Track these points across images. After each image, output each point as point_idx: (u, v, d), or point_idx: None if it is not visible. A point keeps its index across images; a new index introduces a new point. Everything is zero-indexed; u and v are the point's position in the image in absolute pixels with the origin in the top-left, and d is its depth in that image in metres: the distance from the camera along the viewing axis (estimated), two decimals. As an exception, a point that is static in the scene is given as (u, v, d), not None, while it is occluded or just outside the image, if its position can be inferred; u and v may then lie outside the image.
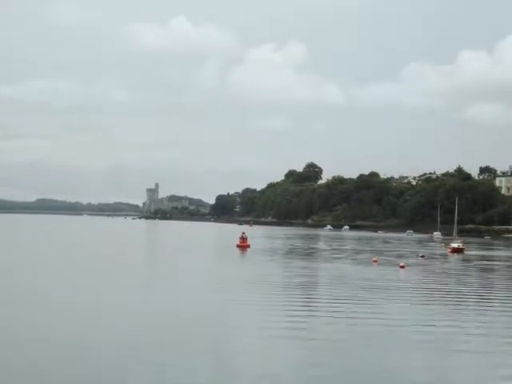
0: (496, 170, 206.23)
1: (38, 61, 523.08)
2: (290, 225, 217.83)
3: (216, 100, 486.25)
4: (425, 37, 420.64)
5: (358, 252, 78.00)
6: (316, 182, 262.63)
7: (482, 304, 33.08)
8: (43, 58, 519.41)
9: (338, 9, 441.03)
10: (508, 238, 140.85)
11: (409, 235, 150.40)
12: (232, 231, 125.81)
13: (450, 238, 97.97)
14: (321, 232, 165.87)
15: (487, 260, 71.50)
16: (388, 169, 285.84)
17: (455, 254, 78.67)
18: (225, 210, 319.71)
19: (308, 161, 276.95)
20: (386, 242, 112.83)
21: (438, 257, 74.66)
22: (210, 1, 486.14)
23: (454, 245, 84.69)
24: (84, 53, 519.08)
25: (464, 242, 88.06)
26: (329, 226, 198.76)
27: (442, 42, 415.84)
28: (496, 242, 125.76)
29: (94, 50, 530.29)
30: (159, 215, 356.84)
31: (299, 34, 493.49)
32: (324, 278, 44.63)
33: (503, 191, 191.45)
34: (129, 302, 30.37)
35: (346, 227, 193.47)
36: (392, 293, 35.65)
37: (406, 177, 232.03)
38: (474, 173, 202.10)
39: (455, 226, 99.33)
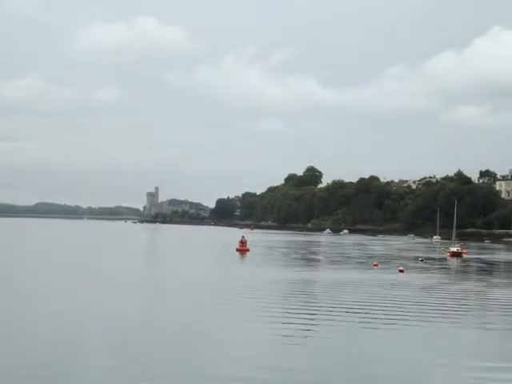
0: (496, 174, 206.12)
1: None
2: (290, 229, 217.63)
3: (212, 102, 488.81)
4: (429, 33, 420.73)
5: (357, 256, 78.06)
6: (316, 186, 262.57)
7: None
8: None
9: (317, 9, 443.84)
10: (508, 242, 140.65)
11: (410, 239, 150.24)
12: (232, 235, 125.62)
13: (449, 241, 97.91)
14: (321, 237, 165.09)
15: (486, 264, 71.56)
16: (388, 172, 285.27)
17: (454, 258, 78.82)
18: (225, 213, 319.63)
19: (308, 164, 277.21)
20: (385, 245, 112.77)
21: (437, 261, 74.64)
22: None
23: (453, 249, 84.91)
24: (52, 51, 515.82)
25: (462, 246, 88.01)
26: (328, 230, 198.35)
27: (429, 41, 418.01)
28: (496, 245, 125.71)
29: (61, 48, 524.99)
30: (159, 219, 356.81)
31: (281, 38, 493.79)
32: (321, 283, 44.57)
33: (503, 195, 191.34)
34: (124, 310, 30.41)
35: (346, 231, 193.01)
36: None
37: (406, 181, 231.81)
38: (474, 176, 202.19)
39: (454, 230, 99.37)
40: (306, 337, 22.90)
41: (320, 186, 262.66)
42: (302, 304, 31.64)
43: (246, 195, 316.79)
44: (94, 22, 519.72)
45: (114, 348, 20.72)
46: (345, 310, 29.73)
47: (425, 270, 58.38)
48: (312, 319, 26.93)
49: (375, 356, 19.93)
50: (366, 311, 29.45)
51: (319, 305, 31.61)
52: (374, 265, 59.97)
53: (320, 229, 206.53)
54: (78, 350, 20.20)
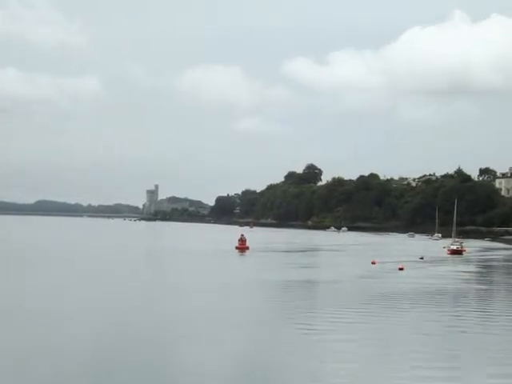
0: (496, 172, 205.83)
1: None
2: (290, 226, 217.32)
3: (210, 101, 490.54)
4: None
5: (357, 252, 78.01)
6: (316, 184, 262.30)
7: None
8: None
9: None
10: (508, 240, 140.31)
11: (410, 237, 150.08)
12: (232, 233, 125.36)
13: (449, 239, 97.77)
14: (324, 235, 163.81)
15: (485, 262, 71.46)
16: (387, 170, 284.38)
17: (454, 256, 78.51)
18: (224, 211, 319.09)
19: (308, 162, 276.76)
20: (385, 243, 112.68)
21: (437, 259, 74.50)
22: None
23: (453, 246, 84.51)
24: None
25: (462, 244, 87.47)
26: (333, 228, 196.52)
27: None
28: (496, 243, 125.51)
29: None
30: (159, 217, 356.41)
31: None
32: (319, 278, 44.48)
33: (503, 193, 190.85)
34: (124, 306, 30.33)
35: (344, 228, 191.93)
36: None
37: (406, 178, 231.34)
38: (474, 174, 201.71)
39: (454, 228, 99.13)
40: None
41: (320, 183, 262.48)
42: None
43: (246, 193, 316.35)
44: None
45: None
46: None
47: (425, 268, 58.34)
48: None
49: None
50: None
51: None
52: (372, 262, 59.59)
53: (320, 226, 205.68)
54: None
